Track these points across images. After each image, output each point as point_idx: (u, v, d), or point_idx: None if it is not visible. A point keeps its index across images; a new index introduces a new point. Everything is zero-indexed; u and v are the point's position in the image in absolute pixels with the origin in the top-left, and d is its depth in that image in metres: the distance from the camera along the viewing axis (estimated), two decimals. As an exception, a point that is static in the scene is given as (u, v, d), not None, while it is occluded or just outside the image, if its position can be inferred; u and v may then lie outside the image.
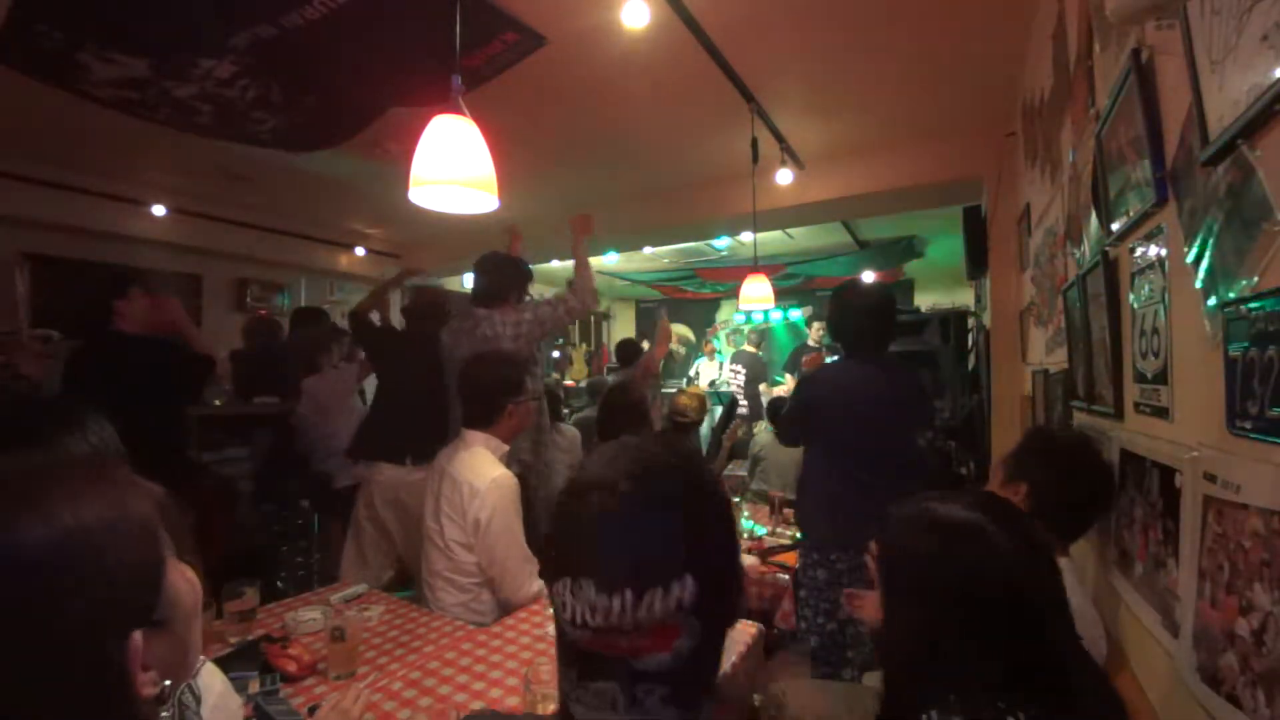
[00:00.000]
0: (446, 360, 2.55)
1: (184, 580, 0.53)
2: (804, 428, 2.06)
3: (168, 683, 0.49)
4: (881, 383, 1.96)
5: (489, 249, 2.64)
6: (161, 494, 0.55)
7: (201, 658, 0.87)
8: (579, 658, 0.53)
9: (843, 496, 1.92)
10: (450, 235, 5.03)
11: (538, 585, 1.72)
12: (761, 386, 6.29)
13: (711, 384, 6.67)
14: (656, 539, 0.51)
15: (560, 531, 0.55)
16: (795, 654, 1.99)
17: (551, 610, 0.56)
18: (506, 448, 1.87)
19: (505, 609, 1.74)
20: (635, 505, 0.52)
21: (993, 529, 0.77)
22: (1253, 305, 0.67)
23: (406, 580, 2.38)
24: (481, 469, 1.73)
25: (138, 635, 0.46)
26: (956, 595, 0.75)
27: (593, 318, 8.92)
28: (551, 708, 0.64)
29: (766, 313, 7.41)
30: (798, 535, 2.58)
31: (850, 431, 1.94)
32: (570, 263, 2.75)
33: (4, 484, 0.48)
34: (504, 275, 2.52)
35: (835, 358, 2.46)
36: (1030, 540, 0.78)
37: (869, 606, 1.34)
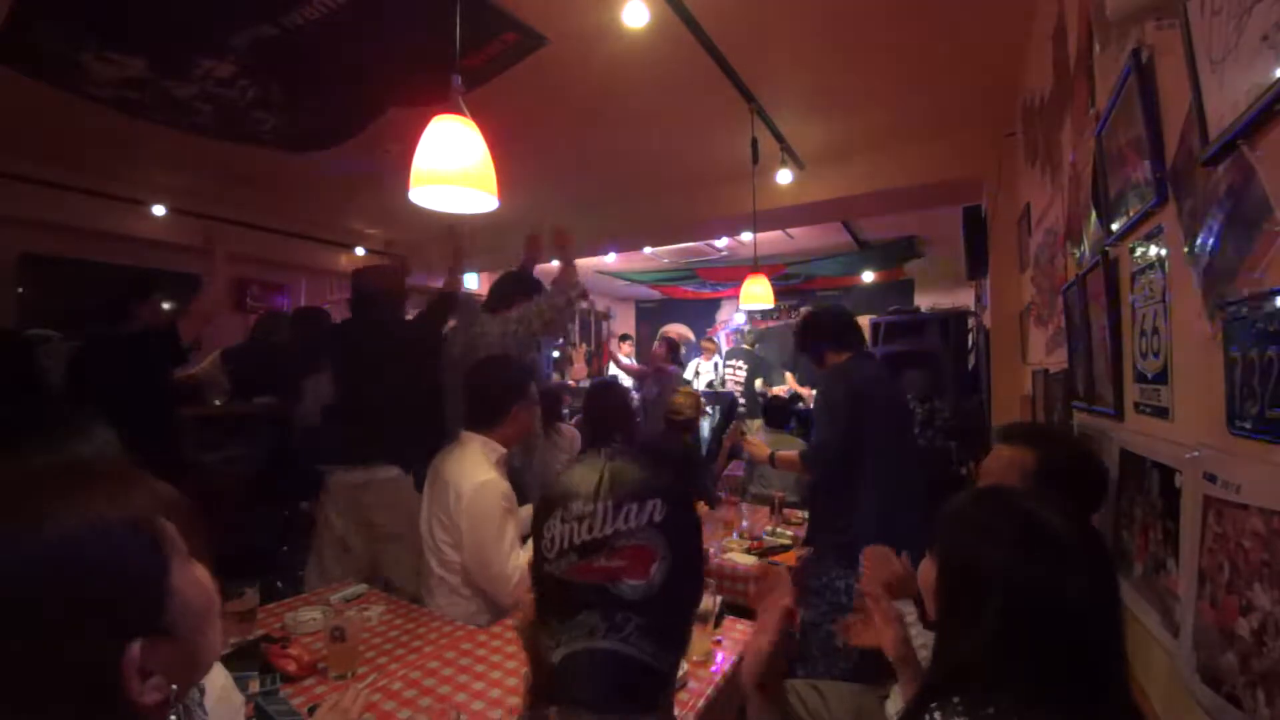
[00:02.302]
0: (445, 359, 2.56)
1: (193, 583, 0.51)
2: (852, 424, 1.84)
3: (175, 687, 0.48)
4: (895, 378, 1.97)
5: (489, 249, 2.65)
6: (170, 493, 0.53)
7: None
8: (561, 598, 0.60)
9: (895, 500, 1.81)
10: (450, 235, 5.04)
11: (516, 580, 1.68)
12: (758, 383, 6.28)
13: (710, 385, 6.65)
14: (631, 470, 0.62)
15: (553, 484, 0.65)
16: (833, 667, 1.86)
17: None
18: (504, 450, 1.85)
19: (499, 610, 1.74)
20: (614, 456, 0.64)
21: (1078, 540, 0.77)
22: (1253, 305, 0.67)
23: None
24: (471, 472, 1.72)
25: (136, 646, 0.45)
26: (1040, 612, 0.74)
27: (592, 317, 8.91)
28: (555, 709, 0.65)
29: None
30: (794, 536, 2.57)
31: (894, 426, 1.86)
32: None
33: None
34: (512, 286, 2.59)
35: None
36: (1106, 554, 0.80)
37: (868, 633, 1.34)
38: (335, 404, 2.51)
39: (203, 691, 0.80)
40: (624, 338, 7.91)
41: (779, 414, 3.80)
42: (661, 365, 4.53)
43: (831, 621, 1.86)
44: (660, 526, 0.60)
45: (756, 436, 3.77)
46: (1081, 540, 0.78)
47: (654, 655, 0.58)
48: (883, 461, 1.85)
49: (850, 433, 1.85)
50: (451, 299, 2.66)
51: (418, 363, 2.51)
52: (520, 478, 2.49)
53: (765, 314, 7.70)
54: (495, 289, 2.63)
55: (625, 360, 5.89)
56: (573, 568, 0.59)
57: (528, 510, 1.94)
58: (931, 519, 0.92)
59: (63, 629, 0.43)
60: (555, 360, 7.55)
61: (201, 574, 0.53)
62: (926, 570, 0.90)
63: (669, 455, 0.68)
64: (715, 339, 7.57)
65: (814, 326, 2.10)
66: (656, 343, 4.10)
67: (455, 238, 2.89)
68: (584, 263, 6.09)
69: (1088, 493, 1.16)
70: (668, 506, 0.61)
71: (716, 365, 6.72)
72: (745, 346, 6.64)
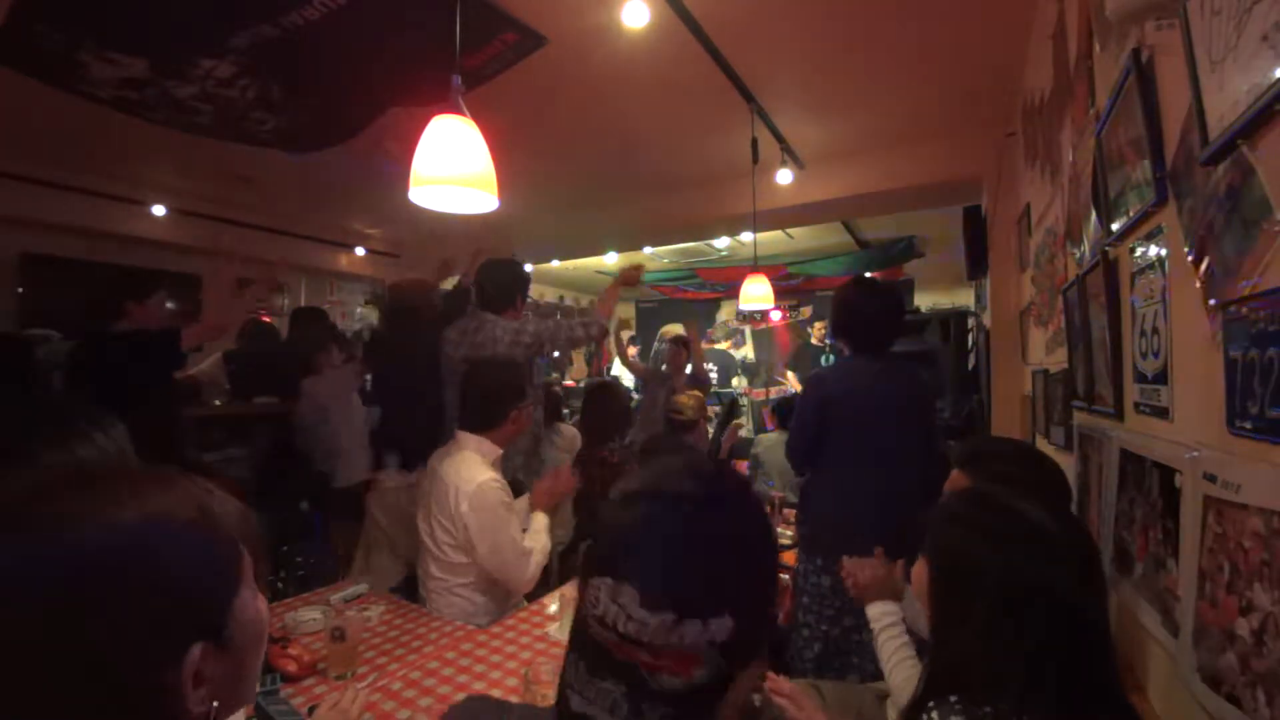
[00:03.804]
0: (445, 360, 2.55)
1: (254, 609, 0.51)
2: (817, 432, 1.92)
3: (216, 704, 0.46)
4: (895, 381, 1.93)
5: (488, 249, 2.65)
6: (252, 520, 0.52)
7: None
8: (594, 652, 0.53)
9: (858, 501, 1.85)
10: (450, 235, 5.04)
11: (533, 569, 1.75)
12: (734, 381, 6.27)
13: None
14: (711, 571, 0.51)
15: (614, 529, 0.54)
16: (799, 658, 1.94)
17: (553, 608, 0.57)
18: (500, 451, 1.86)
19: (506, 603, 1.75)
20: (699, 530, 0.52)
21: (1062, 532, 0.79)
22: (1253, 305, 0.67)
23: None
24: (469, 472, 1.73)
25: (197, 649, 0.44)
26: (1028, 603, 0.75)
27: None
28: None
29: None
30: (794, 535, 2.57)
31: (867, 432, 1.87)
32: (573, 262, 2.76)
33: (86, 480, 0.46)
34: (506, 280, 2.54)
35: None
36: (1091, 546, 0.81)
37: (866, 577, 1.37)
38: (382, 412, 2.67)
39: None
40: (631, 339, 7.88)
41: (789, 413, 3.77)
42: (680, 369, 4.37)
43: (807, 613, 1.92)
44: (722, 647, 0.50)
45: (767, 437, 3.77)
46: (1067, 535, 0.79)
47: None
48: (850, 466, 1.89)
49: (811, 438, 1.94)
50: (469, 293, 2.70)
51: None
52: (522, 489, 2.49)
53: (763, 314, 7.70)
54: (492, 283, 2.53)
55: (631, 360, 5.83)
56: (612, 643, 0.51)
57: (523, 502, 1.95)
58: (922, 521, 0.93)
59: (139, 614, 0.42)
60: (555, 360, 7.54)
61: (262, 604, 0.52)
62: (920, 572, 0.91)
63: (754, 528, 0.56)
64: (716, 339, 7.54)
65: (833, 313, 2.06)
66: (671, 348, 4.01)
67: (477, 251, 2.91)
68: (584, 263, 6.10)
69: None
70: (736, 625, 0.50)
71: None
72: (718, 346, 6.58)
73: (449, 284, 3.03)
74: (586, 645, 0.53)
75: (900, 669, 1.25)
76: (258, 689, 0.56)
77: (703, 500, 0.53)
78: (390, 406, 2.66)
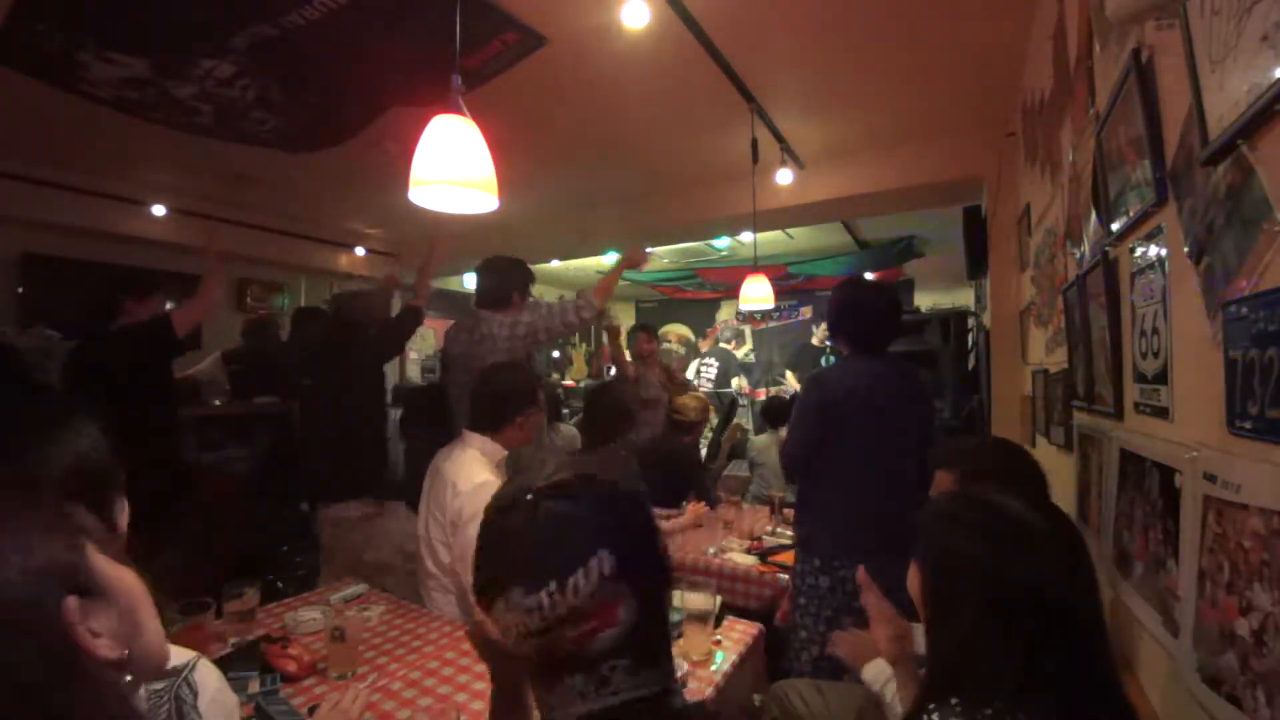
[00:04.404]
0: (444, 358, 2.56)
1: (113, 567, 0.57)
2: (816, 435, 1.89)
3: (127, 651, 0.52)
4: (894, 380, 1.92)
5: (488, 249, 2.64)
6: (91, 523, 0.58)
7: (196, 653, 0.87)
8: (538, 668, 0.57)
9: (857, 502, 1.84)
10: (450, 235, 5.04)
11: None
12: (734, 381, 6.27)
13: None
14: (563, 531, 0.56)
15: (483, 557, 0.59)
16: (796, 659, 1.93)
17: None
18: (504, 453, 1.86)
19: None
20: (540, 510, 0.57)
21: (1048, 526, 0.79)
22: (1253, 305, 0.67)
23: None
24: (469, 471, 1.72)
25: (73, 599, 0.50)
26: (1018, 599, 0.75)
27: (592, 318, 8.91)
28: None
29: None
30: (794, 536, 2.57)
31: (867, 433, 1.86)
32: (573, 262, 2.76)
33: None
34: (505, 277, 2.53)
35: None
36: (1077, 538, 0.81)
37: (855, 644, 1.34)
38: (318, 438, 2.52)
39: (196, 693, 0.80)
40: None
41: (779, 414, 3.79)
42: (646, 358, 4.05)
43: (804, 614, 1.90)
44: (614, 576, 0.54)
45: (762, 439, 3.78)
46: (1055, 532, 0.79)
47: (644, 682, 0.56)
48: (849, 468, 1.87)
49: (812, 442, 1.90)
50: (417, 314, 2.67)
51: (374, 396, 2.53)
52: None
53: (765, 314, 7.70)
54: (490, 279, 2.54)
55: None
56: (541, 647, 0.55)
57: None
58: (912, 522, 0.93)
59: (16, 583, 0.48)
60: (555, 360, 7.54)
61: (126, 572, 0.58)
62: (912, 575, 0.91)
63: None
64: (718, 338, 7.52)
65: (833, 312, 2.02)
66: (641, 336, 3.94)
67: (434, 239, 2.84)
68: (584, 263, 6.10)
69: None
70: (614, 548, 0.54)
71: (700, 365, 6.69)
72: (722, 345, 6.59)
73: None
74: (535, 671, 0.57)
75: None
76: (165, 645, 0.62)
77: (539, 489, 0.58)
78: (318, 431, 2.46)
